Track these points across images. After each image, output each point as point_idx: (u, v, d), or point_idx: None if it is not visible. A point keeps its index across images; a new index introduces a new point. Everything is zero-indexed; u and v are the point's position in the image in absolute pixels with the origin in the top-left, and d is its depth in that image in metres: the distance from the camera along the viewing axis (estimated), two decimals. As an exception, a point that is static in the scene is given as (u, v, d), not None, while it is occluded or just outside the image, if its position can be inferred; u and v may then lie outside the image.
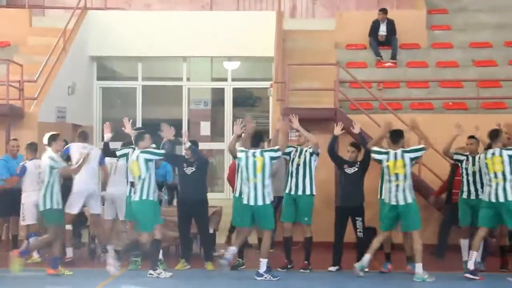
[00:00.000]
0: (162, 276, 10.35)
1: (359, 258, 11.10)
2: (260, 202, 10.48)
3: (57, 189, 10.53)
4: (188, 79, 17.57)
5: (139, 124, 16.25)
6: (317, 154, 11.17)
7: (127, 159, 10.97)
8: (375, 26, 16.30)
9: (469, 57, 16.04)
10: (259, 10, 18.48)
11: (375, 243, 10.64)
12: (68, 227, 11.26)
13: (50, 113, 14.57)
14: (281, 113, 13.48)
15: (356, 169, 11.15)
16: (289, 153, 11.23)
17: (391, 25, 16.24)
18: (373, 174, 11.53)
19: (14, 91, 13.86)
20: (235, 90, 17.42)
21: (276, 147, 10.78)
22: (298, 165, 11.10)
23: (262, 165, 10.50)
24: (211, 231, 11.83)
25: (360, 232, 11.12)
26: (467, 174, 11.17)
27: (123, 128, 10.97)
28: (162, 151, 10.69)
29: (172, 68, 17.88)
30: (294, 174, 11.15)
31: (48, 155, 10.54)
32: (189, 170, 11.10)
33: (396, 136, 10.62)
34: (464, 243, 11.23)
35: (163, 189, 12.44)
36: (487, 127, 12.02)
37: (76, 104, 15.89)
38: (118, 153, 11.07)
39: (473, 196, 11.11)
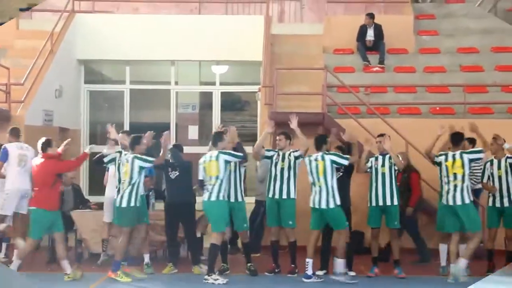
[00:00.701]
0: (217, 282, 10.24)
1: (346, 262, 11.11)
2: (323, 206, 10.55)
3: (141, 188, 10.58)
4: (176, 83, 17.51)
5: (126, 127, 16.19)
6: (302, 158, 11.17)
7: (115, 164, 10.92)
8: (362, 31, 16.34)
9: (456, 62, 16.10)
10: (247, 15, 18.45)
11: (452, 248, 10.64)
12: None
13: (37, 116, 14.51)
14: (268, 116, 13.50)
15: (341, 173, 11.13)
16: (270, 157, 11.24)
17: (378, 30, 16.28)
18: (360, 180, 11.54)
19: (0, 94, 13.80)
20: (223, 94, 17.39)
21: (345, 156, 10.79)
22: (282, 168, 11.08)
23: (323, 168, 10.56)
24: (198, 235, 11.81)
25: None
26: None
27: (107, 136, 10.92)
28: (241, 154, 10.72)
29: (160, 71, 17.83)
30: (278, 178, 11.12)
31: (134, 156, 10.49)
32: (173, 174, 11.13)
33: (456, 138, 10.71)
34: (442, 248, 11.24)
35: (150, 193, 12.40)
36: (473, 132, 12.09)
37: (63, 107, 15.83)
38: (105, 160, 10.99)
39: None
